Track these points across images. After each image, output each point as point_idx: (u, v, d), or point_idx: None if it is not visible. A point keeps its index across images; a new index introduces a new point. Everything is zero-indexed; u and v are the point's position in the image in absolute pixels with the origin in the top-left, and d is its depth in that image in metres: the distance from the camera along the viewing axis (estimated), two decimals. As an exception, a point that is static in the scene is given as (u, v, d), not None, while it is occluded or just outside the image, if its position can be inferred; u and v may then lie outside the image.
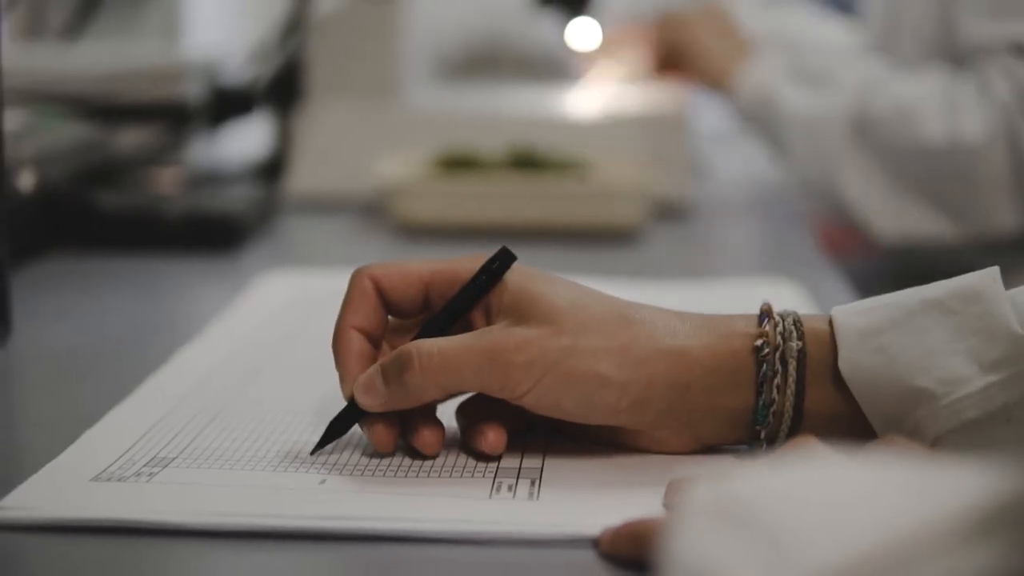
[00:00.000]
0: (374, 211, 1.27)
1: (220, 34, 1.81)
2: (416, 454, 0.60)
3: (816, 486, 0.32)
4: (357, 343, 0.61)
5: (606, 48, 1.64)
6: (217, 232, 1.12)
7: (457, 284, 0.61)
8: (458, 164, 1.24)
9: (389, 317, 0.63)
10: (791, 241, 1.27)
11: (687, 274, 1.02)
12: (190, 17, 1.73)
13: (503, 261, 0.60)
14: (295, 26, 1.43)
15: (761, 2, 1.67)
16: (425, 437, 0.59)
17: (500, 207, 1.18)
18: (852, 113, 1.33)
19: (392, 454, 0.60)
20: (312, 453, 0.60)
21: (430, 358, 0.57)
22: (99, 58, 1.42)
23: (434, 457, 0.59)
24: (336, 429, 0.60)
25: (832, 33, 1.54)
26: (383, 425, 0.59)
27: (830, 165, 1.35)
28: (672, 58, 1.48)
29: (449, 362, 0.57)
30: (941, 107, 1.28)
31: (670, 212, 1.30)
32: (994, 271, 0.58)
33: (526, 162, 1.24)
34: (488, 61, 2.22)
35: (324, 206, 1.32)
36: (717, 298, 0.73)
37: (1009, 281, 0.58)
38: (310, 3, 1.40)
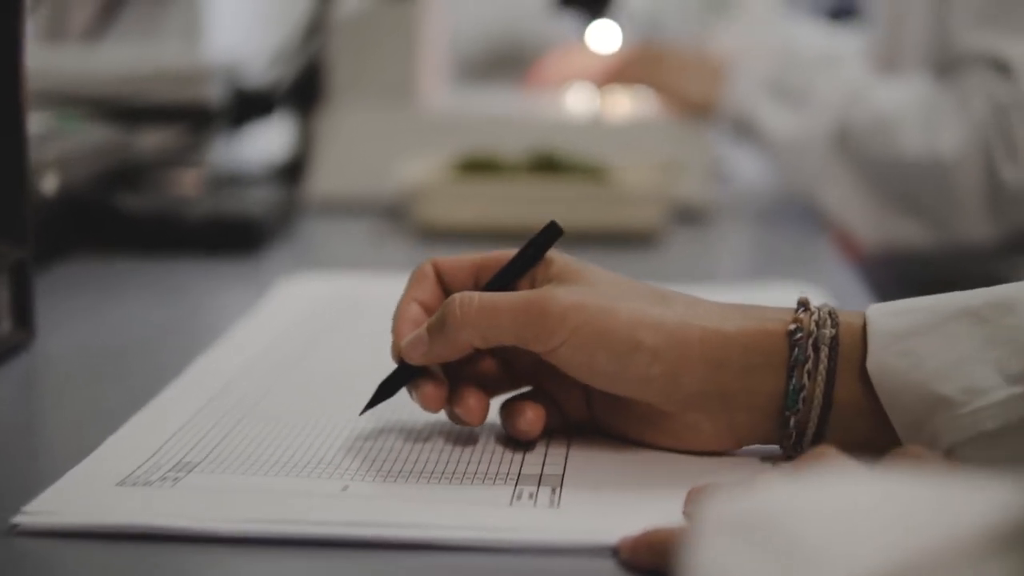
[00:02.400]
0: (395, 214, 1.28)
1: (241, 36, 1.82)
2: (437, 456, 0.61)
3: (836, 500, 0.32)
4: (414, 311, 0.64)
5: (570, 68, 1.65)
6: (238, 235, 1.12)
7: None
8: (479, 167, 1.25)
9: None
10: (812, 246, 1.27)
11: (707, 278, 1.02)
12: (211, 19, 1.73)
13: (551, 234, 0.63)
14: (316, 28, 1.43)
15: (762, 17, 1.67)
16: (470, 405, 0.61)
17: (522, 210, 1.18)
18: (833, 126, 1.34)
19: (412, 457, 0.60)
20: (361, 414, 0.63)
21: (470, 301, 0.59)
22: (120, 60, 1.42)
23: (478, 424, 0.62)
24: (385, 390, 0.63)
25: (831, 44, 1.53)
26: (432, 385, 0.61)
27: (812, 179, 1.36)
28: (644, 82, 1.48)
29: (487, 305, 0.59)
30: (919, 120, 1.29)
31: (691, 216, 1.30)
32: None
33: (547, 165, 1.24)
34: (508, 64, 2.23)
35: (345, 209, 1.32)
36: (739, 301, 0.73)
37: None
38: (331, 5, 1.41)
